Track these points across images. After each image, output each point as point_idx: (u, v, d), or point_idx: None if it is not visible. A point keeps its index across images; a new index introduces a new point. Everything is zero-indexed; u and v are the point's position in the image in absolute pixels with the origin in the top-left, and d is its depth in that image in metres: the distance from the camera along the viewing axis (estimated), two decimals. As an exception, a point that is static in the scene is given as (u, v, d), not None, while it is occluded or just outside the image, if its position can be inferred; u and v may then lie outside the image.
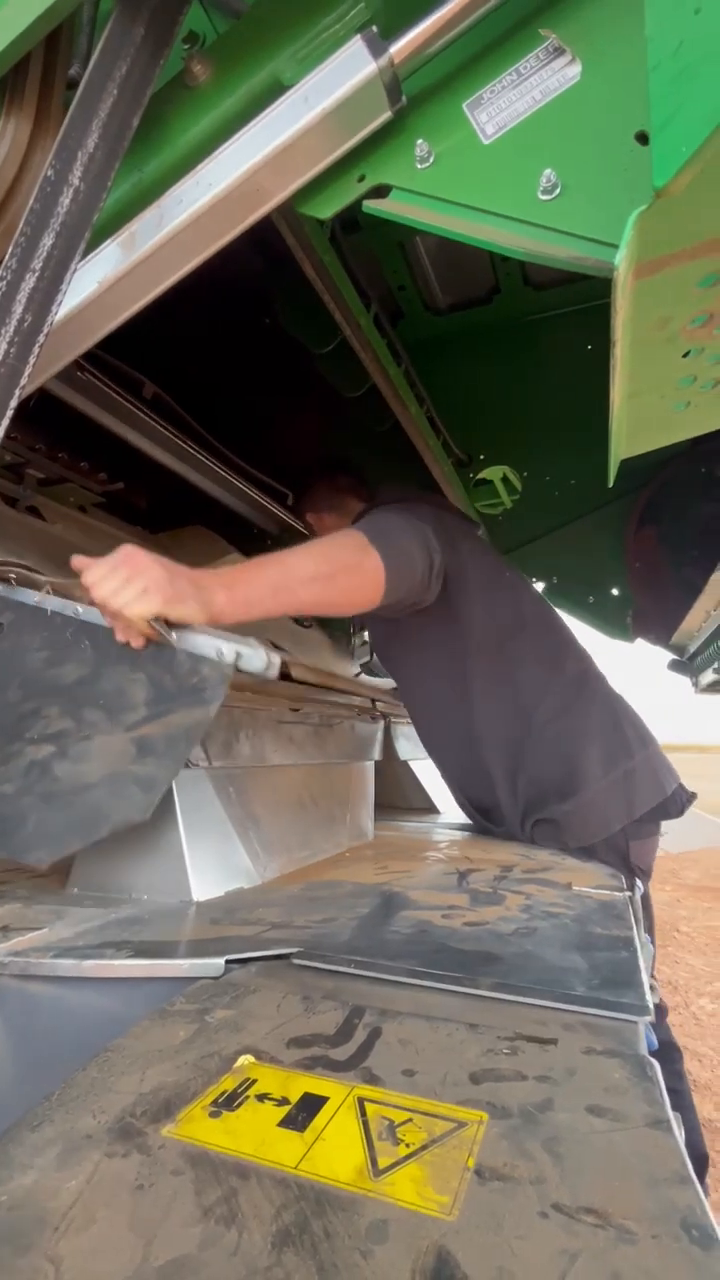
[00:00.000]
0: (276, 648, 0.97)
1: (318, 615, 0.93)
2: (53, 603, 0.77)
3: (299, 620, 2.01)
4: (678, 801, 1.17)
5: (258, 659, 0.74)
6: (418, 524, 1.08)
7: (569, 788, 1.13)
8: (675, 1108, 0.36)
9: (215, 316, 1.43)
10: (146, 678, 0.74)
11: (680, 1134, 0.35)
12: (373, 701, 1.50)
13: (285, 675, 0.86)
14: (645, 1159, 0.32)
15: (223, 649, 0.74)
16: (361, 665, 2.14)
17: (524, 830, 1.19)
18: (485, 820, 1.30)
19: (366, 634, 2.19)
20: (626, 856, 1.13)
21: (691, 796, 1.21)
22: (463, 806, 1.36)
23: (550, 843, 1.16)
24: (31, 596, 0.78)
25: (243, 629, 0.81)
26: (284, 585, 0.85)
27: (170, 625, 0.74)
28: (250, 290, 1.39)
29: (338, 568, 0.92)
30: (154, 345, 1.17)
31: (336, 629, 2.16)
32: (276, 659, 0.76)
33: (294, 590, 0.86)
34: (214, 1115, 0.35)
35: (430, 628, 1.20)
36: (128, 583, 0.71)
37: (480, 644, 1.20)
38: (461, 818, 1.73)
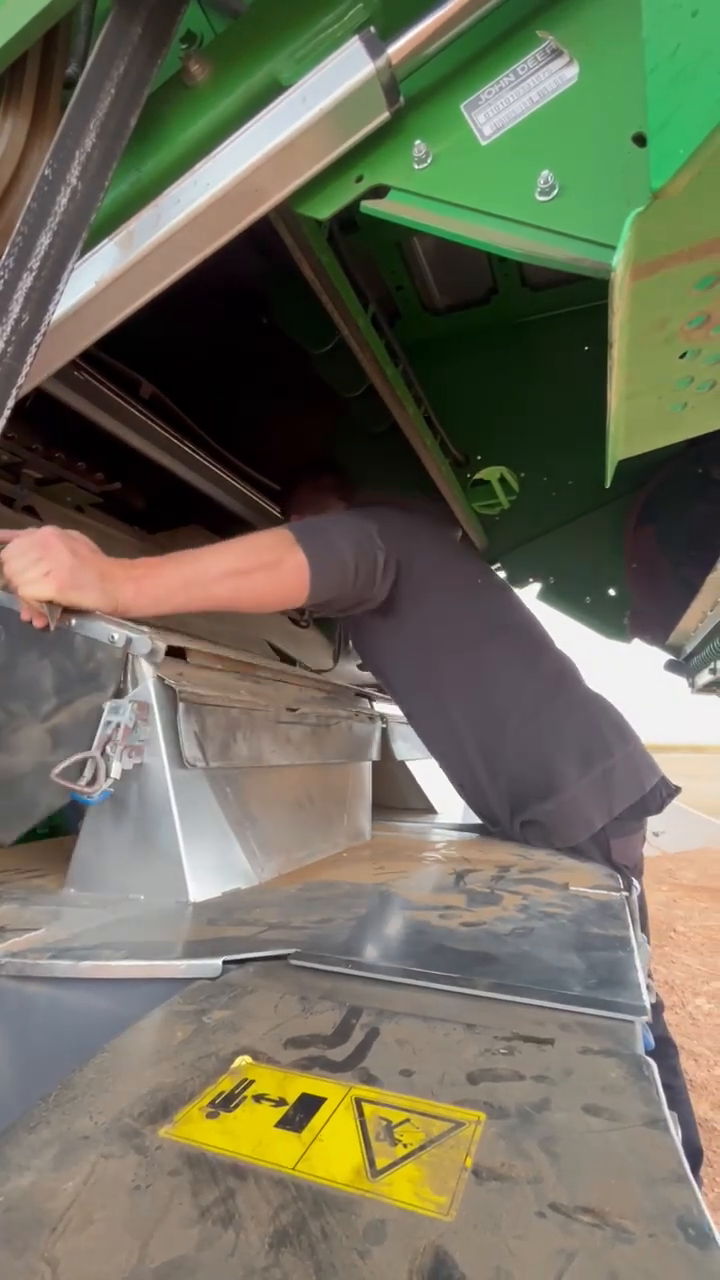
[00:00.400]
0: (198, 638, 1.00)
1: (238, 611, 0.95)
2: None
3: (295, 620, 2.01)
4: (657, 797, 1.17)
5: (144, 644, 0.77)
6: (360, 523, 1.08)
7: (548, 789, 1.14)
8: (671, 1104, 0.37)
9: (213, 316, 1.43)
10: (52, 665, 0.78)
11: (677, 1132, 0.35)
12: (369, 701, 1.50)
13: (178, 655, 0.86)
14: (642, 1158, 0.32)
15: (114, 634, 0.77)
16: (358, 666, 2.14)
17: (515, 830, 1.20)
18: (485, 820, 1.31)
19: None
20: (609, 854, 1.13)
21: (674, 791, 1.21)
22: (468, 805, 1.38)
23: (540, 843, 1.17)
24: None
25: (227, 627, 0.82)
26: (196, 581, 0.85)
27: (68, 611, 0.78)
28: (248, 290, 1.39)
29: (256, 564, 0.91)
30: (151, 345, 1.16)
31: (332, 630, 2.16)
32: (162, 645, 0.78)
33: (207, 586, 0.86)
34: (211, 1116, 0.35)
35: (398, 629, 1.20)
36: (34, 564, 0.73)
37: (448, 646, 1.19)
38: (459, 818, 1.73)
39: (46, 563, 0.74)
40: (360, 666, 2.14)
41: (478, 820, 1.37)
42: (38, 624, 0.77)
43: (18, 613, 0.79)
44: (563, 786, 1.13)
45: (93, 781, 0.72)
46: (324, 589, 0.99)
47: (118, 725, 0.74)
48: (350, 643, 2.23)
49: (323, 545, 0.99)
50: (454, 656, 1.20)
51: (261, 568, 0.92)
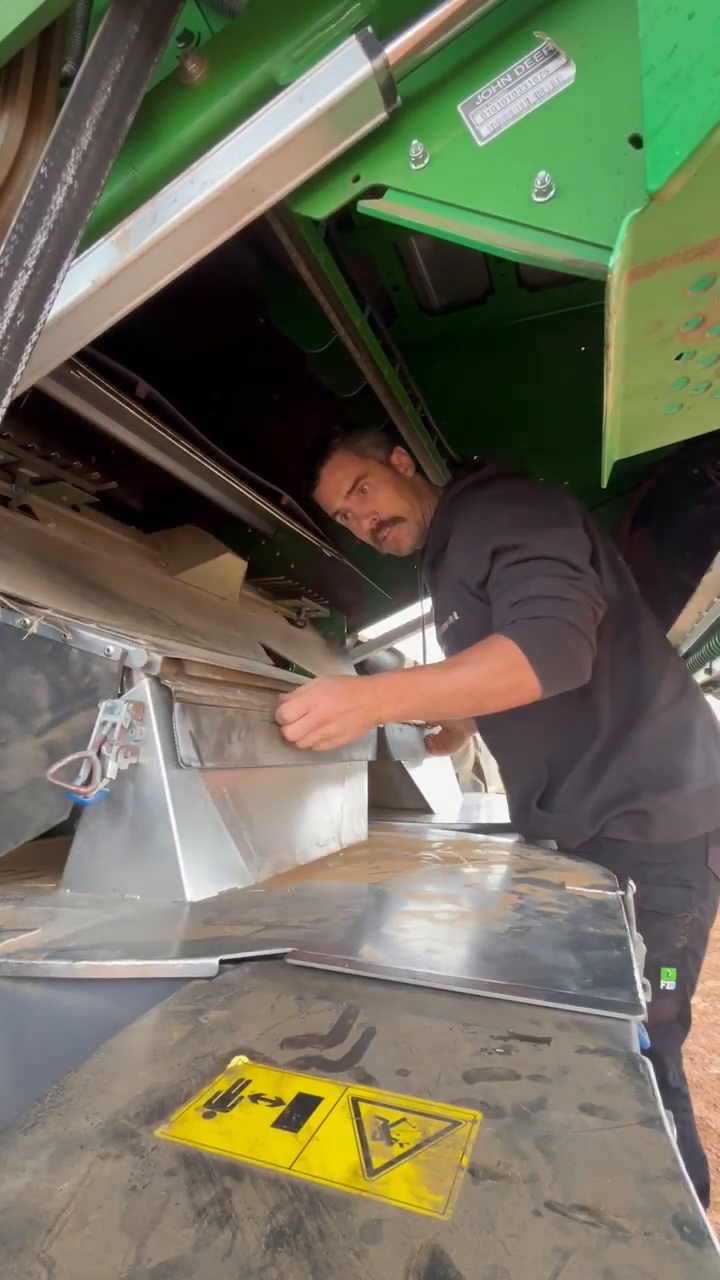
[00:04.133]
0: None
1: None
2: None
3: (292, 620, 2.01)
4: None
5: (139, 657, 0.78)
6: (578, 572, 1.08)
7: (669, 781, 1.13)
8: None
9: (209, 316, 1.43)
10: (46, 679, 0.78)
11: (672, 1131, 0.35)
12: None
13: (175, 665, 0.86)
14: (637, 1157, 0.32)
15: (110, 647, 0.77)
16: (356, 667, 2.14)
17: (593, 824, 1.16)
18: (537, 809, 1.25)
19: (362, 635, 2.20)
20: (706, 860, 1.13)
21: None
22: (511, 795, 1.35)
23: (626, 837, 1.14)
24: None
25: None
26: (435, 707, 1.06)
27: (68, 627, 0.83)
28: (244, 290, 1.39)
29: (489, 692, 1.02)
30: (148, 344, 1.16)
31: (331, 630, 2.16)
32: (158, 657, 0.79)
33: (443, 710, 1.08)
34: (208, 1116, 0.35)
35: None
36: (310, 732, 0.99)
37: (614, 625, 1.19)
38: (455, 818, 1.73)
39: (320, 732, 0.99)
40: (360, 666, 2.13)
41: (475, 821, 1.38)
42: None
43: (9, 626, 0.79)
44: (685, 781, 1.13)
45: (88, 782, 0.72)
46: (553, 693, 1.04)
47: (113, 725, 0.74)
48: (356, 641, 2.24)
49: (556, 661, 1.01)
50: (617, 636, 1.19)
51: (496, 694, 1.02)
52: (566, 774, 1.20)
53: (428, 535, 1.34)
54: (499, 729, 1.32)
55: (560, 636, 1.01)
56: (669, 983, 1.12)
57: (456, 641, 1.29)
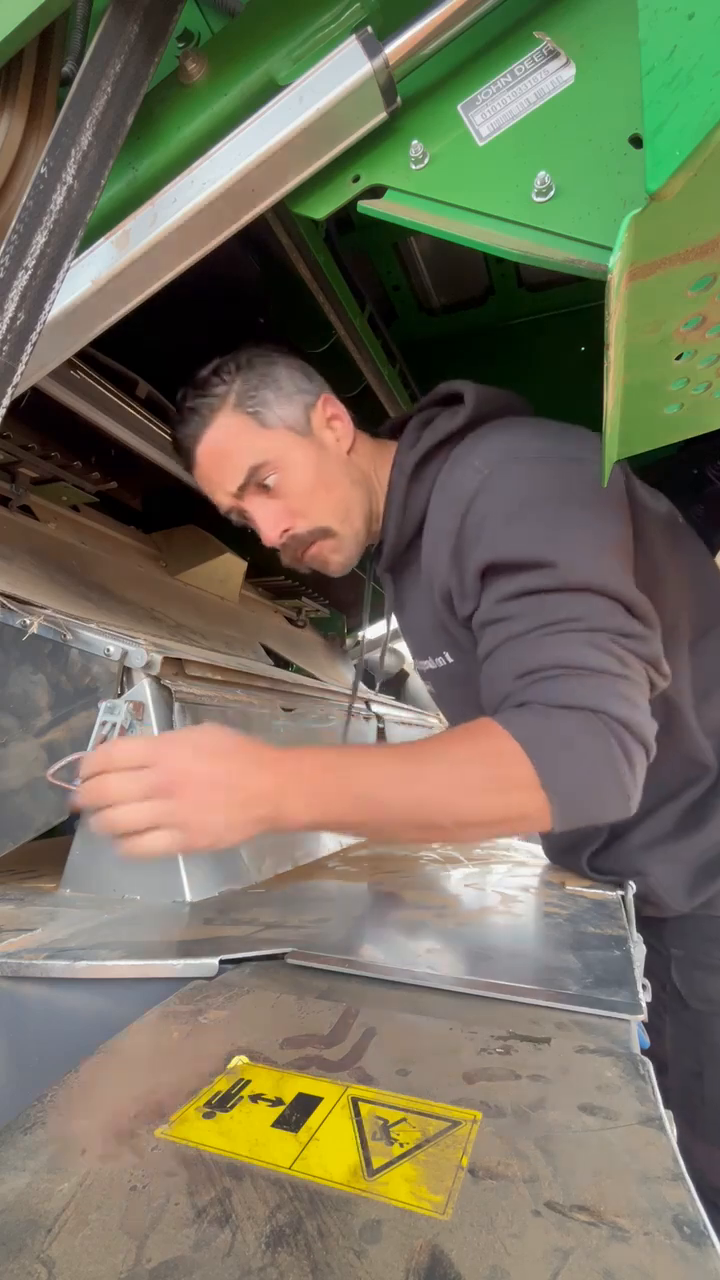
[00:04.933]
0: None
1: None
2: None
3: (292, 620, 2.01)
4: None
5: (139, 657, 0.77)
6: (645, 655, 0.65)
7: None
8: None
9: (209, 316, 1.43)
10: (46, 679, 0.78)
11: (672, 1131, 0.35)
12: (367, 703, 1.50)
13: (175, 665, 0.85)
14: (637, 1157, 0.32)
15: (110, 647, 0.77)
16: (355, 667, 2.14)
17: (691, 896, 0.80)
18: (590, 869, 0.87)
19: (360, 635, 2.20)
20: None
21: None
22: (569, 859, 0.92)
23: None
24: None
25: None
26: (374, 822, 0.61)
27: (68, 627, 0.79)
28: (244, 290, 1.39)
29: (468, 816, 0.61)
30: (147, 344, 1.16)
31: (330, 630, 2.16)
32: (158, 657, 0.78)
33: (390, 832, 0.63)
34: (207, 1116, 0.35)
35: None
36: (148, 803, 0.54)
37: (687, 628, 0.81)
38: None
39: (165, 808, 0.54)
40: (374, 675, 2.14)
41: None
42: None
43: (9, 626, 0.78)
44: None
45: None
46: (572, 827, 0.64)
47: (113, 725, 0.74)
48: (355, 641, 2.17)
49: (589, 787, 0.61)
50: (698, 639, 0.81)
51: (475, 825, 0.62)
52: (639, 823, 0.82)
53: (382, 526, 0.85)
54: None
55: (602, 748, 0.60)
56: None
57: (451, 696, 0.90)
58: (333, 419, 0.84)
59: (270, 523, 0.81)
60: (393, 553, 0.86)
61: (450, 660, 0.83)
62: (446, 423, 0.80)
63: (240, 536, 1.71)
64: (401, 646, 2.31)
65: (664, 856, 0.81)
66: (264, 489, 0.80)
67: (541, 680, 0.64)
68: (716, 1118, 0.80)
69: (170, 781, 0.55)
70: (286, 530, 0.82)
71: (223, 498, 0.83)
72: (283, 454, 0.79)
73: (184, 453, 0.83)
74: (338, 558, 0.86)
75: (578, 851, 0.88)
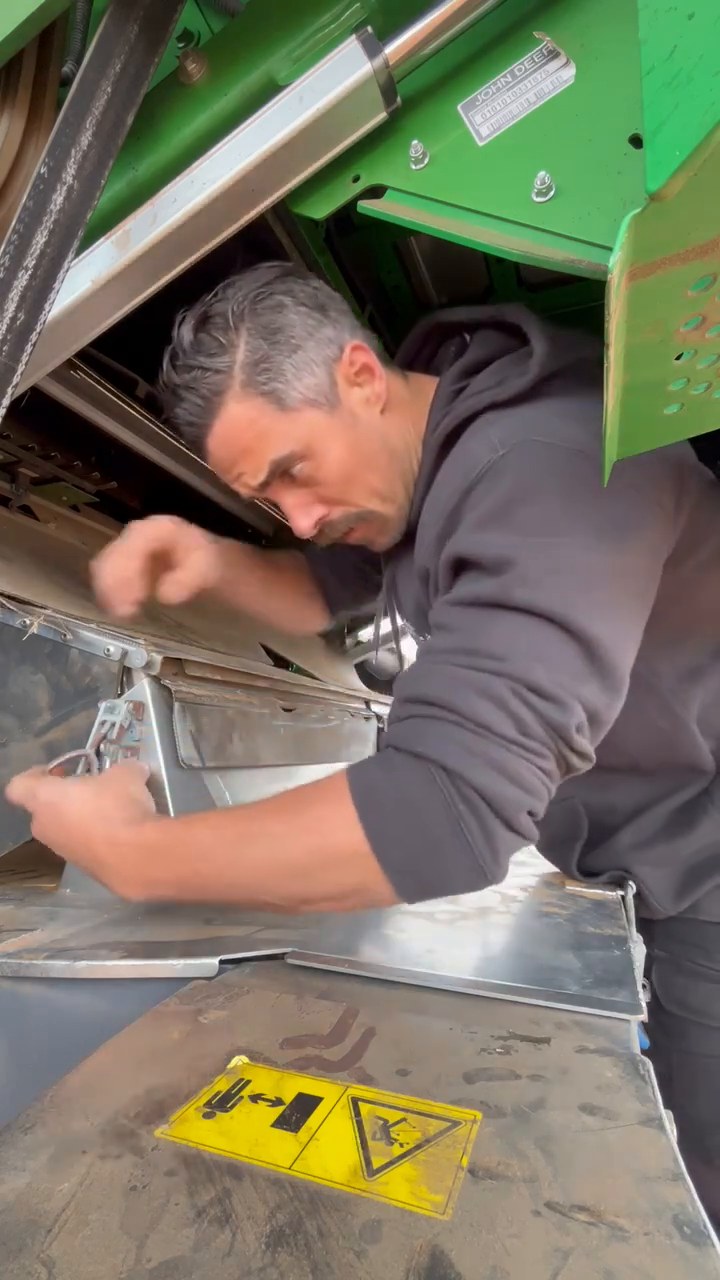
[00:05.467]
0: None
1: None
2: None
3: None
4: None
5: (139, 657, 0.77)
6: (556, 723, 0.52)
7: None
8: None
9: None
10: (46, 679, 0.78)
11: (672, 1131, 0.35)
12: (367, 703, 1.50)
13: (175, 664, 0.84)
14: (637, 1157, 0.32)
15: (110, 647, 0.77)
16: (355, 667, 2.14)
17: (678, 899, 0.78)
18: (579, 870, 0.84)
19: (361, 635, 2.20)
20: None
21: None
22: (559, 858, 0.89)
23: None
24: None
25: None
26: (205, 898, 0.57)
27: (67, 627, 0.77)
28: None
29: (290, 895, 0.55)
30: (148, 344, 1.16)
31: (332, 631, 2.16)
32: (158, 657, 0.77)
33: (221, 901, 0.58)
34: (207, 1116, 0.35)
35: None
36: (40, 828, 0.62)
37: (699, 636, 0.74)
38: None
39: (36, 820, 0.63)
40: (360, 666, 2.13)
41: None
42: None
43: (9, 626, 0.78)
44: None
45: None
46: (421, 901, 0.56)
47: (113, 724, 0.74)
48: (355, 641, 2.17)
49: (410, 849, 0.52)
50: (700, 638, 0.74)
51: (304, 901, 0.55)
52: (628, 823, 0.80)
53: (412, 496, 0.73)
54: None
55: (447, 818, 0.50)
56: None
57: None
58: (362, 372, 0.68)
59: (302, 513, 0.70)
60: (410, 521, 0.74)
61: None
62: (489, 390, 0.64)
63: (240, 536, 1.71)
64: (402, 646, 2.31)
65: (653, 858, 0.78)
66: (289, 480, 0.68)
67: (413, 717, 0.54)
68: (684, 1125, 0.76)
69: (47, 812, 0.61)
70: (321, 519, 0.71)
71: (241, 489, 0.71)
72: (310, 440, 0.66)
73: (188, 438, 0.71)
74: (383, 539, 0.76)
75: (565, 853, 0.85)
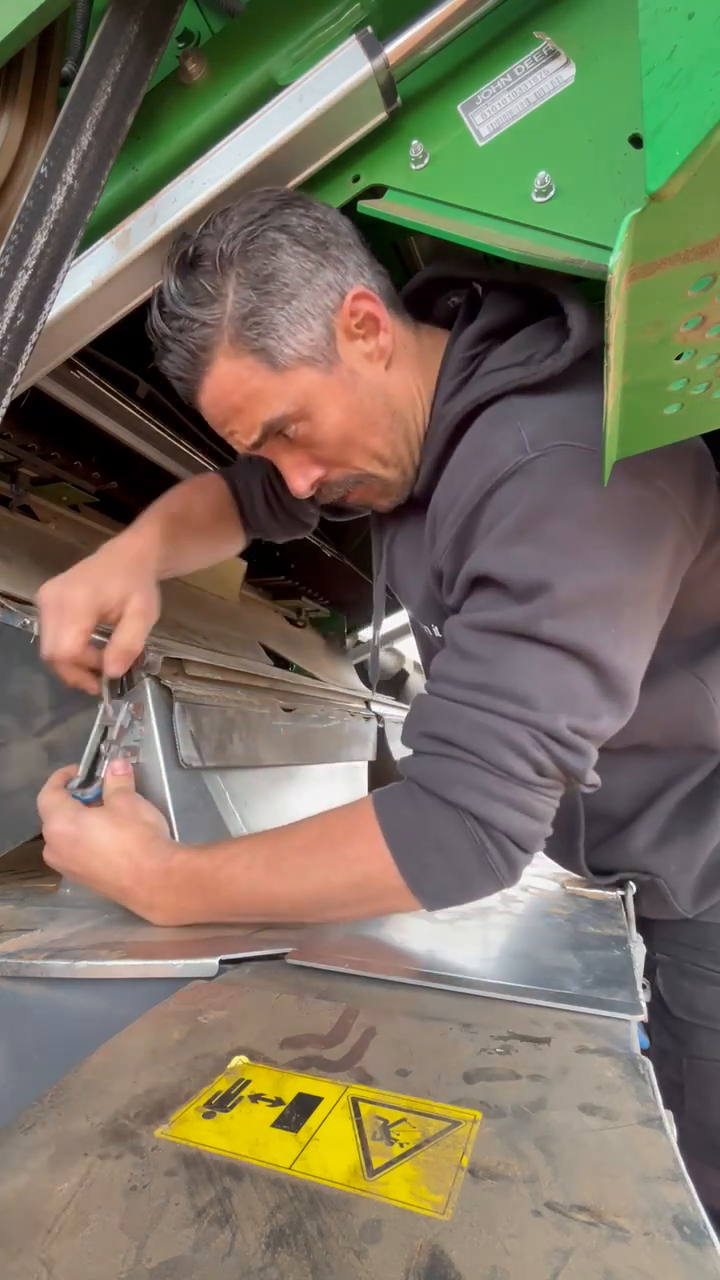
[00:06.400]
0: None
1: None
2: None
3: (292, 620, 2.01)
4: None
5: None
6: (561, 758, 0.55)
7: None
8: None
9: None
10: (46, 679, 0.78)
11: (672, 1131, 0.35)
12: (367, 703, 1.50)
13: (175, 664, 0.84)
14: (637, 1156, 0.32)
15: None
16: (355, 667, 2.14)
17: (695, 903, 0.77)
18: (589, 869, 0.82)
19: (362, 635, 2.20)
20: None
21: None
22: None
23: None
24: None
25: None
26: (244, 917, 0.62)
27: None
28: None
29: (332, 905, 0.60)
30: (148, 344, 1.16)
31: (331, 630, 2.16)
32: (158, 657, 0.77)
33: (244, 914, 0.62)
34: (207, 1116, 0.35)
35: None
36: (48, 844, 0.64)
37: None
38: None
39: (50, 851, 0.65)
40: (360, 667, 2.13)
41: None
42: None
43: (9, 626, 0.78)
44: None
45: (87, 782, 0.72)
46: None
47: (113, 725, 0.74)
48: (356, 641, 2.17)
49: (444, 881, 0.57)
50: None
51: (344, 906, 0.61)
52: (639, 815, 0.77)
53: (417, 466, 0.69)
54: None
55: (476, 854, 0.55)
56: None
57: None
58: (365, 322, 0.62)
59: (298, 473, 0.66)
60: (417, 493, 0.70)
61: (439, 635, 0.72)
62: (515, 368, 0.59)
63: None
64: (401, 646, 2.32)
65: (677, 857, 0.76)
66: (285, 440, 0.64)
67: (438, 756, 0.56)
68: (697, 1131, 0.77)
69: (62, 845, 0.64)
70: (318, 480, 0.67)
71: (236, 446, 0.67)
72: (305, 402, 0.61)
73: (179, 392, 0.67)
74: (384, 501, 0.72)
75: (568, 850, 0.83)
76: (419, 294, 0.73)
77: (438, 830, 0.56)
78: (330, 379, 0.62)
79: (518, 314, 0.64)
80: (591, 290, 0.48)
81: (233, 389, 0.61)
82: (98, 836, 0.62)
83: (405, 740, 0.61)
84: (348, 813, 0.60)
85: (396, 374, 0.65)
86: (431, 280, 0.72)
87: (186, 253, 0.61)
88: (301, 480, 0.67)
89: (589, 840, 0.81)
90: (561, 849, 0.85)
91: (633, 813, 0.72)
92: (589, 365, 0.57)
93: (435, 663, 0.61)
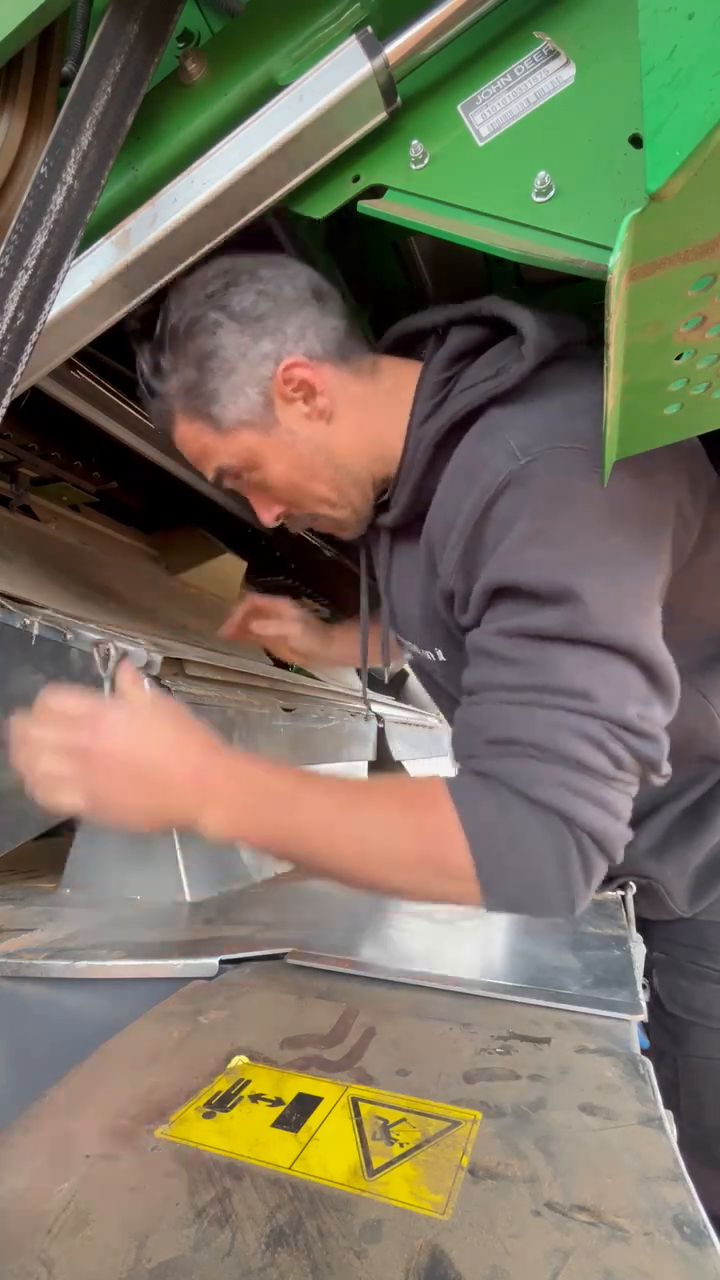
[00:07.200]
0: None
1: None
2: None
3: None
4: None
5: (139, 657, 0.77)
6: (642, 753, 0.54)
7: None
8: None
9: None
10: (46, 680, 0.78)
11: (672, 1131, 0.35)
12: (367, 703, 1.50)
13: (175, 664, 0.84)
14: (637, 1156, 0.32)
15: (110, 648, 0.77)
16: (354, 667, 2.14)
17: (692, 903, 0.77)
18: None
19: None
20: None
21: None
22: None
23: None
24: None
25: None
26: (295, 848, 0.56)
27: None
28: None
29: (384, 877, 0.55)
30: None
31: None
32: (158, 657, 0.77)
33: (308, 860, 0.56)
34: (207, 1116, 0.35)
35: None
36: (63, 769, 0.54)
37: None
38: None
39: (80, 779, 0.54)
40: (373, 676, 2.13)
41: None
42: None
43: (9, 626, 0.78)
44: None
45: None
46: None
47: None
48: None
49: (527, 887, 0.53)
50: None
51: (398, 886, 0.56)
52: (641, 824, 0.77)
53: (393, 489, 0.71)
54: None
55: (559, 859, 0.52)
56: None
57: (439, 692, 0.81)
58: (300, 388, 0.66)
59: (263, 509, 0.74)
60: (399, 515, 0.71)
61: (443, 659, 0.73)
62: (488, 381, 0.61)
63: (240, 536, 1.71)
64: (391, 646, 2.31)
65: (672, 860, 0.76)
66: (240, 480, 0.71)
67: (513, 757, 0.54)
68: (692, 1131, 0.75)
69: (93, 750, 0.54)
70: (280, 514, 0.74)
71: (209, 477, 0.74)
72: (250, 456, 0.68)
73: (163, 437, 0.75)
74: (345, 533, 0.77)
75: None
76: (399, 343, 0.76)
77: (520, 829, 0.53)
78: (269, 439, 0.68)
79: (486, 337, 0.66)
80: (592, 290, 0.48)
81: (190, 443, 0.71)
82: (151, 738, 0.55)
83: (463, 754, 0.59)
84: (424, 787, 0.57)
85: (341, 426, 0.69)
86: (396, 342, 0.76)
87: (150, 330, 0.69)
88: (266, 514, 0.74)
89: None
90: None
91: (635, 820, 0.72)
92: (563, 368, 0.60)
93: (471, 675, 0.59)
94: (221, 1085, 0.38)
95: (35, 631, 0.79)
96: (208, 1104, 0.36)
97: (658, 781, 0.57)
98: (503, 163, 0.57)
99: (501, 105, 0.57)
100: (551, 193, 0.54)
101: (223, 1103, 0.36)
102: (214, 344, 0.66)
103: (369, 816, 0.56)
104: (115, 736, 0.55)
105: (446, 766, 2.18)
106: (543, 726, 0.54)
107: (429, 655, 0.76)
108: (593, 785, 0.53)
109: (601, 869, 0.54)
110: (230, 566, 1.62)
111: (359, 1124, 0.34)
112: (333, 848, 0.56)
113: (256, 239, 0.71)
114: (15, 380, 0.61)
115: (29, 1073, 0.50)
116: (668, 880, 0.77)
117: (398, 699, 2.12)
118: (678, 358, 0.45)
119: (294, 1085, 0.38)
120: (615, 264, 0.37)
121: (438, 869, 0.54)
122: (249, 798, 0.55)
